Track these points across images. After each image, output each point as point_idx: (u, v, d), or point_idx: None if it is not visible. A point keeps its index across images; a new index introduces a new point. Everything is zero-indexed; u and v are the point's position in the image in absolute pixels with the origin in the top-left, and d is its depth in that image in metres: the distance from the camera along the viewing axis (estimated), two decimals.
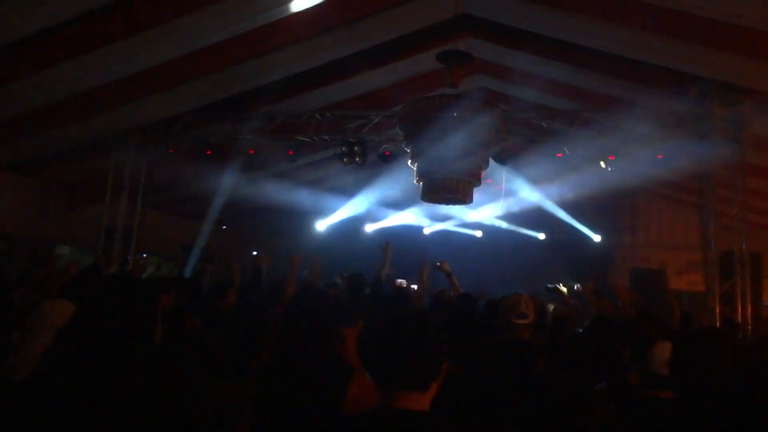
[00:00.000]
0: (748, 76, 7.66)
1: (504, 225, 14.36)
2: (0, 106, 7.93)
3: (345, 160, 10.11)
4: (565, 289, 6.70)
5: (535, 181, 14.91)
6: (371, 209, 14.65)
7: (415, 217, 15.23)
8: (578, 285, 6.85)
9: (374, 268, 6.90)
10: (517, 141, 10.21)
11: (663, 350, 2.99)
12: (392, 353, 1.78)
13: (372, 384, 2.04)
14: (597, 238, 14.09)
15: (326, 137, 10.12)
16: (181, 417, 1.33)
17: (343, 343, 2.80)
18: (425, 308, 6.14)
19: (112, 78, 7.72)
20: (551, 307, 6.34)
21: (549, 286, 6.72)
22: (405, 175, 10.06)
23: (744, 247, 8.41)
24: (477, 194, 9.02)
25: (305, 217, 15.45)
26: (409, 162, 8.76)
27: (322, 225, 15.39)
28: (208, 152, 10.17)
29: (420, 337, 1.75)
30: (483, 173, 8.82)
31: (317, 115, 10.00)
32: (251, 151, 10.38)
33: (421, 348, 1.73)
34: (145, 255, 8.70)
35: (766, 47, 6.66)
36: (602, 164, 9.60)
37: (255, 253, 7.41)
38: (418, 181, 8.61)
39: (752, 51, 6.89)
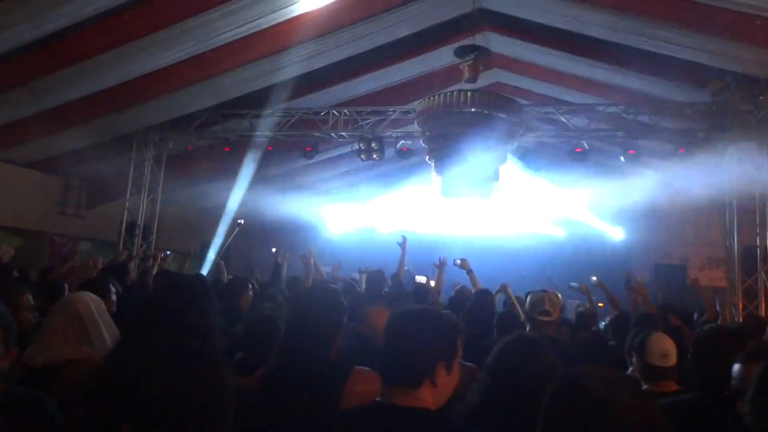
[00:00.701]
0: None
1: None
2: (22, 104, 8.05)
3: (362, 156, 10.11)
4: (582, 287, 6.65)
5: (554, 176, 14.84)
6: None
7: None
8: (594, 278, 6.77)
9: (391, 264, 6.89)
10: (536, 136, 10.15)
11: (660, 341, 2.94)
12: (385, 348, 1.79)
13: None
14: (618, 234, 13.94)
15: (344, 133, 10.14)
16: (211, 410, 1.34)
17: (368, 322, 2.75)
18: (440, 305, 6.10)
19: (132, 76, 7.79)
20: (577, 304, 6.29)
21: (572, 284, 6.65)
22: None
23: (767, 241, 8.29)
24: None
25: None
26: (427, 158, 8.73)
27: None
28: (227, 149, 10.23)
29: (409, 332, 1.74)
30: (501, 169, 8.78)
31: (334, 112, 10.02)
32: (269, 148, 10.42)
33: (409, 342, 1.72)
34: (168, 252, 8.79)
35: None
36: (622, 159, 9.52)
37: (274, 249, 7.43)
38: (436, 177, 8.59)
39: None
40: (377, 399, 1.76)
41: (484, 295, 5.62)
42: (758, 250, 8.33)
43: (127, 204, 10.64)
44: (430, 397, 1.69)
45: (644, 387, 2.90)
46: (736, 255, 8.42)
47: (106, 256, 8.39)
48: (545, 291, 3.48)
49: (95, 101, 8.23)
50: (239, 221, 12.99)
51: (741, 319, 7.98)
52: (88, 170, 11.19)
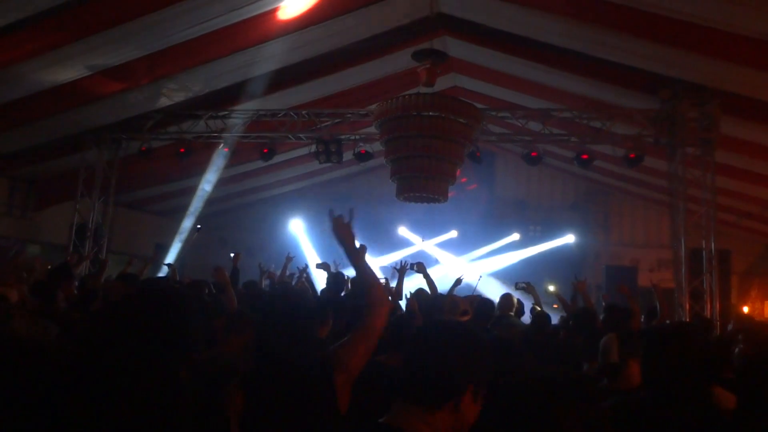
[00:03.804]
0: (717, 78, 7.80)
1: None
2: None
3: (320, 159, 10.05)
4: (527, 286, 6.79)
5: (508, 179, 15.09)
6: None
7: None
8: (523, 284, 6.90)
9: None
10: (492, 140, 10.29)
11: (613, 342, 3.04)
12: (411, 358, 1.60)
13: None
14: (570, 237, 14.21)
15: (301, 135, 10.07)
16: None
17: None
18: (400, 309, 6.11)
19: (84, 74, 7.57)
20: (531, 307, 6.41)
21: (520, 284, 6.77)
22: None
23: (713, 244, 8.58)
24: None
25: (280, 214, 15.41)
26: (385, 160, 8.75)
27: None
28: (182, 150, 10.02)
29: (446, 342, 1.55)
30: (458, 172, 8.85)
31: (292, 113, 9.94)
32: (225, 149, 10.28)
33: (444, 353, 1.53)
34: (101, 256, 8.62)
35: (735, 49, 6.79)
36: (575, 163, 9.71)
37: (232, 255, 7.37)
38: (393, 180, 8.61)
39: (721, 52, 7.02)
40: (382, 420, 1.53)
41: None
42: (704, 252, 8.61)
43: (78, 206, 10.33)
44: (448, 424, 1.49)
45: (603, 384, 2.98)
46: (683, 257, 8.67)
47: (57, 259, 8.14)
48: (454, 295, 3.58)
49: (43, 99, 7.96)
50: (198, 226, 12.78)
51: (688, 320, 8.23)
52: (36, 171, 10.85)
